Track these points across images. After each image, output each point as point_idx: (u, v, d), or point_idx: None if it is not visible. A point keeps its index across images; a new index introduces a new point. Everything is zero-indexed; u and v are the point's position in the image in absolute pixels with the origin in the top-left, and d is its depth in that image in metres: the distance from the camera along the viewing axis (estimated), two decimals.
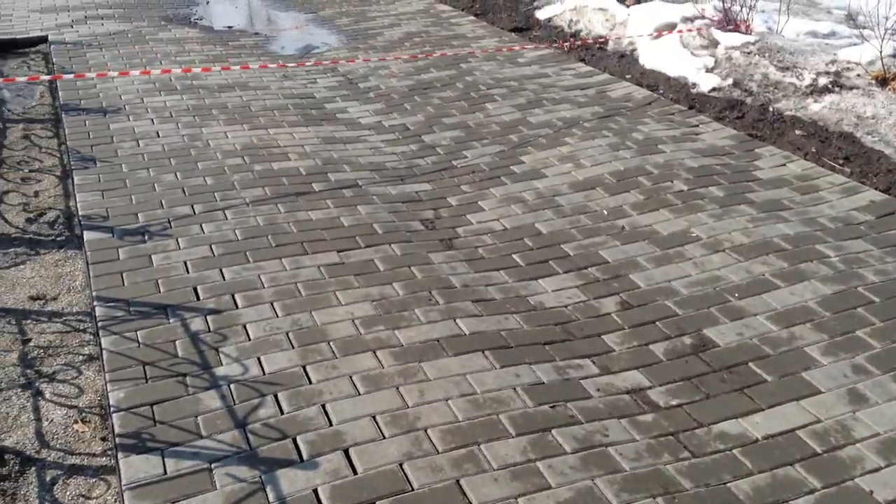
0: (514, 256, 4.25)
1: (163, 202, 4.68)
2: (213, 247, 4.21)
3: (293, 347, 3.44)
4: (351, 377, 3.26)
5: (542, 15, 8.77)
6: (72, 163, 5.20)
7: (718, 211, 4.68)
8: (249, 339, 3.49)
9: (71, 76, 6.27)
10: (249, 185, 4.92)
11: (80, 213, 4.55)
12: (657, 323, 3.72)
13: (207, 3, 9.62)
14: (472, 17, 8.95)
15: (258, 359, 3.36)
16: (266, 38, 8.17)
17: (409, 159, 5.43)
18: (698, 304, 3.84)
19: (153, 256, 4.11)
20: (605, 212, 4.71)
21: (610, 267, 4.15)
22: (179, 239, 4.28)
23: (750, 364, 3.43)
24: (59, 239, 4.44)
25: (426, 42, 8.03)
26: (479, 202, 4.85)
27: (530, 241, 4.41)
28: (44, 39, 7.92)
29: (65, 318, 3.75)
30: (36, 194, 4.94)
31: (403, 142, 5.72)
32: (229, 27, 8.55)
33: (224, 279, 3.94)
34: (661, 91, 6.65)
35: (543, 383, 3.28)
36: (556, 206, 4.79)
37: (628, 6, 7.95)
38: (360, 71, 7.18)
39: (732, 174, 5.14)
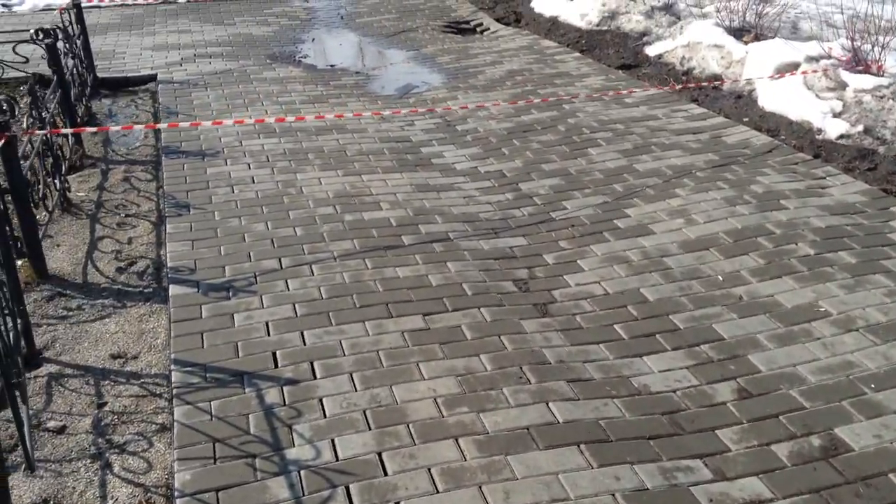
0: (616, 327, 3.86)
1: (251, 254, 4.53)
2: (296, 306, 4.01)
3: (370, 429, 3.17)
4: (429, 470, 2.96)
5: (651, 51, 8.33)
6: (166, 209, 5.15)
7: (850, 281, 4.15)
8: (325, 416, 3.24)
9: (185, 124, 6.26)
10: (339, 237, 4.72)
11: (168, 265, 4.45)
12: (780, 417, 3.25)
13: (313, 40, 9.65)
14: (578, 54, 8.60)
15: (332, 441, 3.10)
16: (367, 78, 8.06)
17: (504, 209, 5.12)
18: (828, 396, 3.35)
19: (235, 315, 3.94)
20: (720, 278, 4.25)
21: (725, 345, 3.71)
22: (264, 296, 4.10)
23: (890, 475, 2.93)
24: (146, 291, 4.35)
25: (528, 81, 7.73)
26: (579, 261, 4.48)
27: (634, 309, 4.01)
28: (153, 78, 8.07)
29: (142, 380, 3.61)
30: (129, 241, 4.89)
31: (499, 190, 5.42)
32: (331, 66, 8.51)
33: (304, 343, 3.72)
34: (783, 137, 6.10)
35: (647, 489, 2.88)
36: (664, 268, 4.36)
37: (746, 43, 7.42)
38: (458, 112, 6.94)
39: (865, 236, 4.58)
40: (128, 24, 10.20)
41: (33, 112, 4.97)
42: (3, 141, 4.12)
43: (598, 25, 9.24)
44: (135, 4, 11.36)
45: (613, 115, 6.71)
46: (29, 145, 4.78)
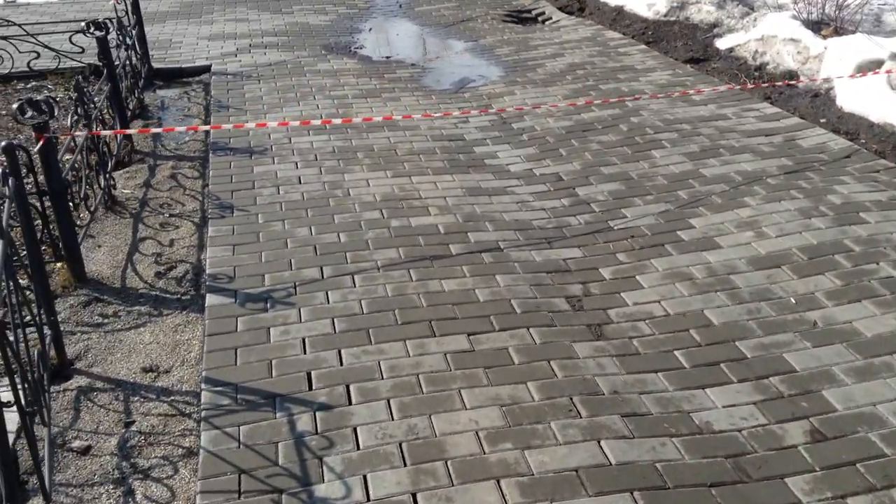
0: (677, 354, 3.55)
1: (292, 262, 4.34)
2: (335, 321, 3.81)
3: (405, 465, 2.94)
4: None
5: (722, 44, 7.86)
6: (210, 210, 5.01)
7: None
8: (358, 448, 3.03)
9: (229, 126, 6.12)
10: (384, 245, 4.50)
11: (207, 271, 4.30)
12: (858, 465, 2.92)
13: (370, 30, 9.43)
14: (643, 46, 8.18)
15: (364, 478, 2.88)
16: (422, 70, 7.81)
17: (558, 217, 4.83)
18: None
19: (272, 330, 3.76)
20: (793, 300, 3.89)
21: (797, 378, 3.37)
22: (302, 309, 3.91)
23: None
24: (183, 298, 4.20)
25: (590, 75, 7.37)
26: (638, 276, 4.17)
27: (697, 334, 3.69)
28: (207, 69, 7.97)
29: (172, 397, 3.46)
30: (171, 243, 4.76)
31: (554, 194, 5.13)
32: (387, 58, 8.28)
33: (341, 364, 3.51)
34: (863, 141, 5.64)
35: None
36: (731, 287, 4.02)
37: (825, 38, 6.91)
38: (513, 109, 6.64)
39: None
40: (186, 13, 10.15)
41: (79, 109, 4.86)
42: (41, 143, 4.00)
43: (665, 16, 8.79)
44: None
45: (679, 114, 6.32)
46: (73, 143, 4.68)
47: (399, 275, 4.20)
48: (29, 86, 7.48)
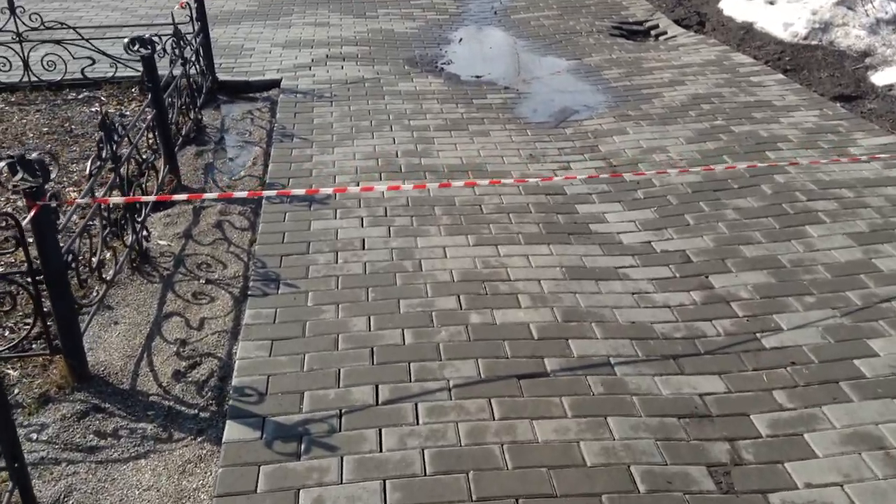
0: None
1: (341, 373, 3.34)
2: (386, 487, 2.77)
3: None
4: None
5: (878, 79, 6.48)
6: (252, 281, 4.06)
7: None
8: None
9: (300, 191, 5.15)
10: (459, 353, 3.45)
11: (234, 380, 3.34)
12: None
13: (460, 41, 8.36)
14: (780, 76, 6.84)
15: None
16: (517, 96, 6.69)
17: (689, 320, 3.68)
18: None
19: (302, 494, 2.75)
20: None
21: None
22: (346, 459, 2.90)
23: None
24: (201, 416, 3.25)
25: (718, 111, 6.11)
26: (806, 435, 3.00)
27: None
28: (276, 84, 7.05)
29: None
30: (201, 324, 3.82)
31: (682, 284, 3.97)
32: (477, 77, 7.19)
33: None
34: None
35: None
36: None
37: None
38: (626, 153, 5.47)
39: None
40: (263, 14, 9.28)
41: (104, 152, 3.96)
42: (34, 212, 3.10)
43: (805, 39, 7.42)
44: None
45: (836, 174, 5.03)
46: (92, 192, 3.78)
47: (477, 407, 3.14)
48: (80, 96, 6.71)
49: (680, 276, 4.05)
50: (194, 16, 6.61)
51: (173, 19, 5.86)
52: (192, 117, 6.04)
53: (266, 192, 4.62)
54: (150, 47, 4.90)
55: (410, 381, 3.28)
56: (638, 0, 9.48)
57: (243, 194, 4.26)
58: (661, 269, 4.13)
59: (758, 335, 3.58)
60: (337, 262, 4.20)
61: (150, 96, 5.02)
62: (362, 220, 4.61)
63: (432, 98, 6.58)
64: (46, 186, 3.16)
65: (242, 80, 7.13)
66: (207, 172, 5.47)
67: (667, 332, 3.61)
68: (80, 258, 3.62)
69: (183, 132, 5.77)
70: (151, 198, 4.33)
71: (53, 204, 3.21)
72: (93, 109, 6.41)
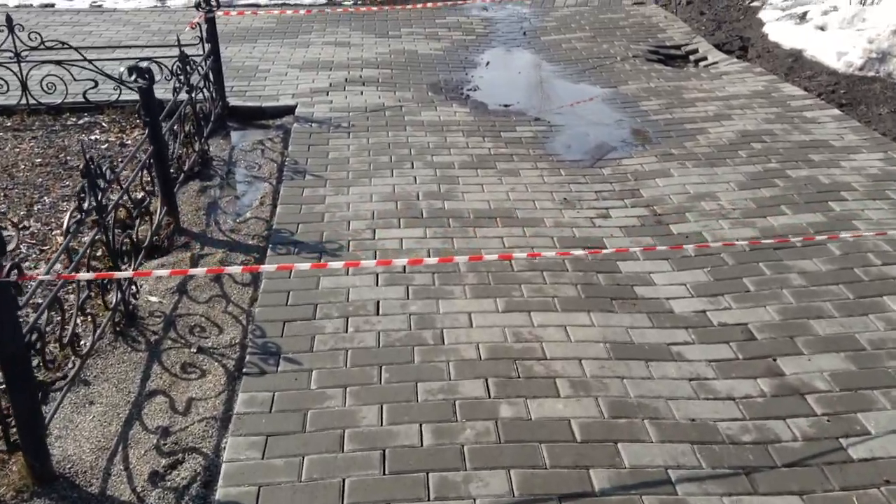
0: None
1: (345, 489, 2.78)
2: None
3: None
4: None
5: None
6: (249, 354, 3.52)
7: None
8: None
9: (305, 266, 4.61)
10: (487, 461, 2.89)
11: (218, 492, 2.79)
12: None
13: (487, 65, 7.81)
14: (836, 111, 6.22)
15: None
16: (548, 128, 6.12)
17: (759, 418, 3.10)
18: None
19: None
20: None
21: None
22: None
23: None
24: None
25: (770, 152, 5.51)
26: None
27: None
28: (290, 110, 6.53)
29: None
30: (187, 407, 3.29)
31: (747, 369, 3.39)
32: (505, 106, 6.63)
33: None
34: None
35: None
36: None
37: None
38: (671, 199, 4.89)
39: None
40: (282, 31, 8.77)
41: (85, 202, 3.44)
42: None
43: (861, 70, 6.80)
44: (296, 3, 9.97)
45: None
46: (67, 252, 3.27)
47: None
48: (81, 121, 6.23)
49: (743, 358, 3.46)
50: (205, 37, 6.12)
51: (178, 42, 5.35)
52: (197, 149, 5.52)
53: (297, 265, 4.05)
54: (147, 77, 4.38)
55: (429, 500, 2.72)
56: (675, 22, 8.89)
57: (269, 267, 3.71)
58: (720, 347, 3.54)
59: (841, 441, 2.99)
60: (347, 330, 3.65)
61: (146, 132, 4.50)
62: (377, 277, 4.06)
63: (457, 130, 6.02)
64: (2, 260, 2.63)
65: (255, 105, 6.62)
66: (210, 213, 4.95)
67: (734, 433, 3.03)
68: (47, 333, 3.09)
69: (186, 166, 5.26)
70: (128, 273, 3.77)
71: (13, 278, 2.69)
72: (92, 137, 5.92)
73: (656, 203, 4.87)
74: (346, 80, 7.20)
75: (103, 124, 6.18)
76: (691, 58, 8.09)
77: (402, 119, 6.26)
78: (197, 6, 6.15)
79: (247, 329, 3.76)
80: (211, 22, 6.22)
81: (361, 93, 6.88)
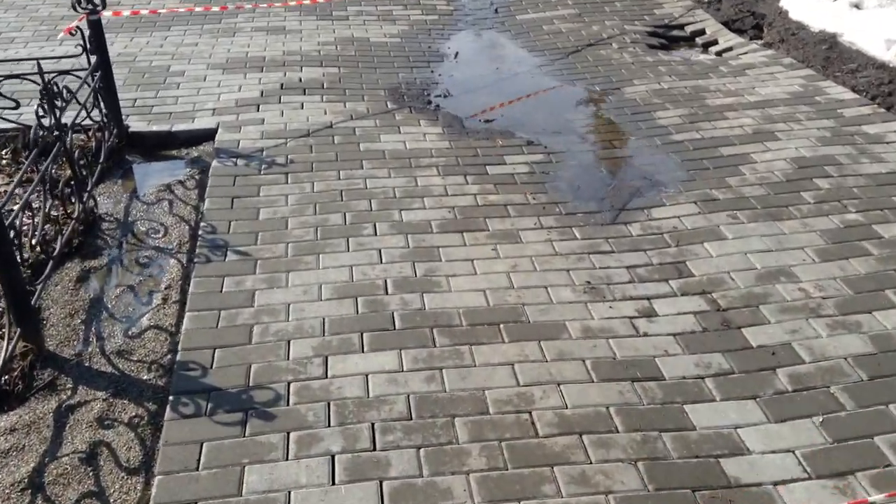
0: None
1: None
2: None
3: None
4: None
5: None
6: None
7: None
8: None
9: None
10: None
11: None
12: None
13: (456, 57, 6.23)
14: None
15: None
16: (546, 157, 4.63)
17: None
18: None
19: None
20: None
21: None
22: None
23: None
24: None
25: (842, 192, 4.13)
26: None
27: None
28: (210, 135, 4.91)
29: None
30: None
31: None
32: (487, 122, 5.10)
33: None
34: None
35: None
36: None
37: None
38: (734, 280, 3.49)
39: None
40: (201, 14, 7.00)
41: None
42: None
43: None
44: None
45: None
46: None
47: None
48: None
49: None
50: (88, 46, 4.45)
51: (39, 69, 3.69)
52: (77, 212, 3.92)
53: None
54: None
55: None
56: None
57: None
58: None
59: None
60: None
61: None
62: (333, 464, 2.59)
63: (430, 165, 4.49)
64: None
65: (164, 130, 4.96)
66: (90, 322, 3.39)
67: None
68: None
69: (58, 245, 3.66)
70: None
71: None
72: None
73: (714, 287, 3.46)
74: (283, 86, 5.57)
75: None
76: (698, 41, 6.63)
77: (357, 147, 4.70)
78: (74, 6, 4.45)
79: None
80: (96, 26, 4.52)
81: (302, 105, 5.27)
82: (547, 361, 3.04)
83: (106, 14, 4.73)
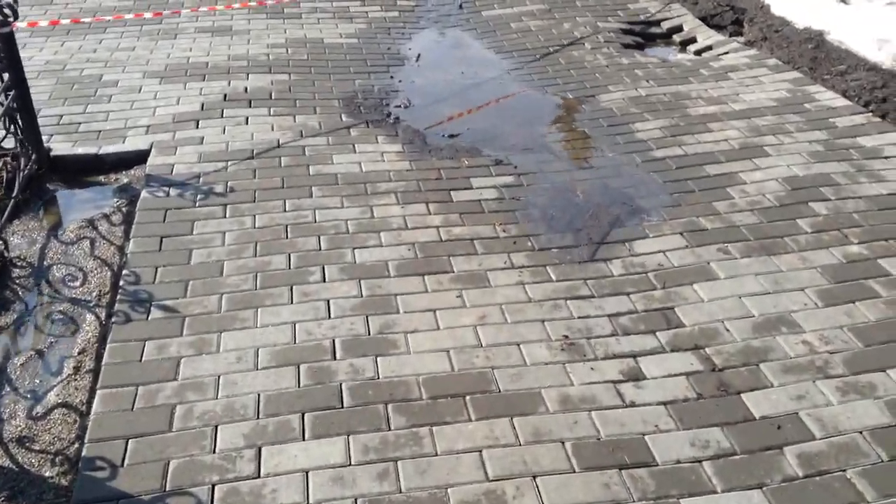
0: None
1: None
2: None
3: None
4: None
5: None
6: None
7: None
8: None
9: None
10: None
11: None
12: None
13: (418, 60, 5.70)
14: None
15: None
16: (516, 180, 4.15)
17: None
18: None
19: None
20: None
21: None
22: None
23: None
24: None
25: (841, 219, 3.71)
26: None
27: None
28: (142, 158, 4.36)
29: None
30: None
31: None
32: (451, 136, 4.60)
33: None
34: None
35: None
36: None
37: None
38: (729, 332, 3.05)
39: None
40: (142, 10, 6.38)
41: None
42: None
43: None
44: None
45: None
46: None
47: None
48: None
49: None
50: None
51: None
52: None
53: None
54: None
55: None
56: None
57: None
58: None
59: None
60: None
61: None
62: None
63: (387, 191, 3.99)
64: None
65: (90, 153, 4.39)
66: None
67: None
68: None
69: None
70: None
71: None
72: None
73: (707, 340, 3.02)
74: (226, 96, 5.01)
75: None
76: (676, 38, 6.18)
77: (307, 171, 4.18)
78: None
79: None
80: (8, 40, 3.93)
81: (246, 120, 4.73)
82: (521, 445, 2.58)
83: (20, 24, 4.14)
